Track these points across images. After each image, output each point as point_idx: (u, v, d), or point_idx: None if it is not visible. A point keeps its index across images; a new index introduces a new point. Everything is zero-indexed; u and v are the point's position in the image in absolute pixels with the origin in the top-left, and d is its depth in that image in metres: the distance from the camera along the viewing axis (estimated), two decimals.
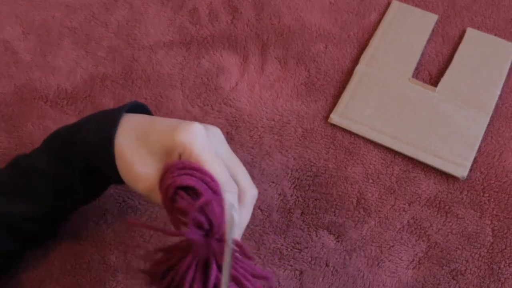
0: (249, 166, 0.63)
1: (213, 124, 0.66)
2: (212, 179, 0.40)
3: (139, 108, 0.51)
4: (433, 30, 0.74)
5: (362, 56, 0.71)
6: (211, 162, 0.42)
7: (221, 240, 0.39)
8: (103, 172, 0.47)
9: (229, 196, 0.41)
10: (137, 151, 0.44)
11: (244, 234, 0.59)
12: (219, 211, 0.39)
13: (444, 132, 0.65)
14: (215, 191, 0.40)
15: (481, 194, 0.62)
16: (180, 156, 0.42)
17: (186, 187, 0.40)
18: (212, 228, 0.38)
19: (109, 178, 0.48)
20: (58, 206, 0.50)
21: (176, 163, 0.41)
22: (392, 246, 0.59)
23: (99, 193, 0.53)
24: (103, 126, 0.45)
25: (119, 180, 0.46)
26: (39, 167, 0.48)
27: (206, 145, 0.43)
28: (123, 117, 0.46)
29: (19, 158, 0.50)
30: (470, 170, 0.63)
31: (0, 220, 0.48)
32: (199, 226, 0.38)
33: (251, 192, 0.44)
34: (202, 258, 0.39)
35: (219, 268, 0.39)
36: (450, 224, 0.60)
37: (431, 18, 0.75)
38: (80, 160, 0.46)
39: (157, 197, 0.42)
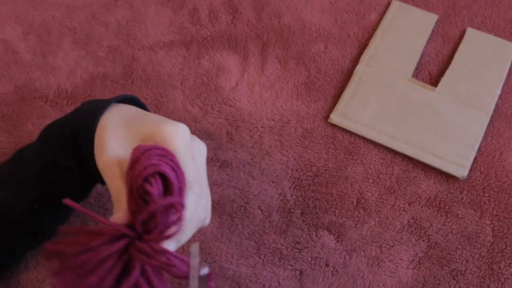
0: (249, 166, 0.63)
1: (213, 124, 0.66)
2: (183, 177, 0.39)
3: (137, 105, 0.51)
4: (433, 30, 0.74)
5: (362, 56, 0.71)
6: (185, 157, 0.41)
7: (155, 249, 0.37)
8: (84, 151, 0.46)
9: (192, 197, 0.40)
10: (117, 131, 0.43)
11: (244, 234, 0.59)
12: (172, 219, 0.37)
13: (444, 132, 0.65)
14: (181, 190, 0.39)
15: (481, 194, 0.62)
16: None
17: (162, 176, 0.38)
18: (153, 231, 0.37)
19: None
20: (52, 192, 0.49)
21: (155, 147, 0.39)
22: (392, 246, 0.59)
23: (93, 183, 0.52)
24: (94, 109, 0.46)
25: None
26: (33, 153, 0.49)
27: (185, 143, 0.43)
28: (117, 104, 0.47)
29: (19, 149, 0.51)
30: (470, 170, 0.63)
31: (1, 213, 0.48)
32: (145, 222, 0.37)
33: (199, 213, 0.43)
34: (127, 255, 0.37)
35: (142, 273, 0.37)
36: (450, 224, 0.60)
37: (431, 18, 0.75)
38: (70, 140, 0.46)
39: (110, 173, 0.41)
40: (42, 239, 0.55)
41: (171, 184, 0.38)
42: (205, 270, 0.38)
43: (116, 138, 0.43)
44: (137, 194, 0.37)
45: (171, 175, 0.38)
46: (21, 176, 0.49)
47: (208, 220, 0.45)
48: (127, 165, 0.39)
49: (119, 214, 0.39)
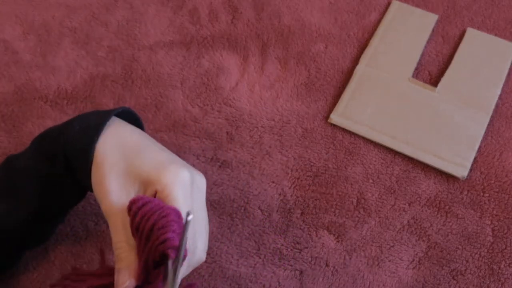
0: (249, 166, 0.63)
1: (213, 124, 0.66)
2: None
3: (130, 116, 0.50)
4: (433, 30, 0.74)
5: (362, 56, 0.71)
6: (183, 207, 0.41)
7: None
8: (78, 175, 0.46)
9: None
10: (117, 168, 0.43)
11: (244, 234, 0.59)
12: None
13: (444, 132, 0.65)
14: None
15: (481, 194, 0.62)
16: (156, 193, 0.42)
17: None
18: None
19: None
20: (47, 205, 0.49)
21: (173, 217, 0.39)
22: (392, 246, 0.59)
23: (83, 195, 0.52)
24: (87, 128, 0.45)
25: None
26: (26, 166, 0.48)
27: (185, 193, 0.42)
28: (112, 124, 0.45)
29: (9, 158, 0.50)
30: (470, 170, 0.63)
31: None
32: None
33: (199, 256, 0.43)
34: None
35: None
36: (450, 224, 0.60)
37: (431, 18, 0.75)
38: (63, 159, 0.46)
39: (113, 221, 0.41)
40: (39, 240, 0.54)
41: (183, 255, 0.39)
42: (190, 217, 0.39)
43: (117, 176, 0.42)
44: (151, 263, 0.39)
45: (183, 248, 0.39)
46: (14, 187, 0.48)
47: (204, 258, 0.45)
48: (133, 230, 0.40)
49: (128, 284, 0.40)
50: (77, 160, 0.45)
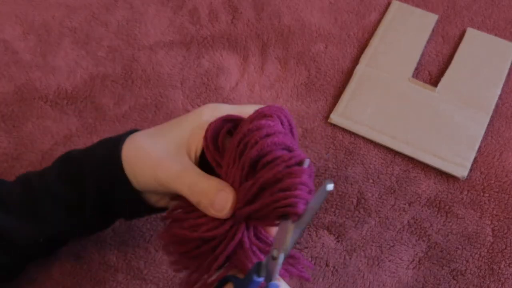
0: None
1: None
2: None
3: None
4: (433, 30, 0.74)
5: (362, 56, 0.71)
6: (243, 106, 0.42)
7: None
8: (115, 195, 0.45)
9: None
10: (148, 143, 0.42)
11: None
12: None
13: (444, 132, 0.65)
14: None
15: (481, 194, 0.62)
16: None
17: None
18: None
19: (119, 205, 0.46)
20: (63, 231, 0.48)
21: (300, 172, 0.34)
22: (392, 246, 0.59)
23: (108, 224, 0.51)
24: (110, 144, 0.45)
25: (130, 210, 0.45)
26: (51, 190, 0.46)
27: (229, 107, 0.43)
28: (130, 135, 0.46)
29: (30, 177, 0.48)
30: (470, 170, 0.63)
31: (6, 239, 0.47)
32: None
33: None
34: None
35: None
36: (450, 224, 0.60)
37: (431, 18, 0.75)
38: (92, 184, 0.45)
39: (182, 184, 0.39)
40: (42, 257, 0.54)
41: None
42: (330, 187, 0.33)
43: (161, 151, 0.42)
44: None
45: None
46: (33, 208, 0.47)
47: None
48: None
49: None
50: (107, 173, 0.44)
